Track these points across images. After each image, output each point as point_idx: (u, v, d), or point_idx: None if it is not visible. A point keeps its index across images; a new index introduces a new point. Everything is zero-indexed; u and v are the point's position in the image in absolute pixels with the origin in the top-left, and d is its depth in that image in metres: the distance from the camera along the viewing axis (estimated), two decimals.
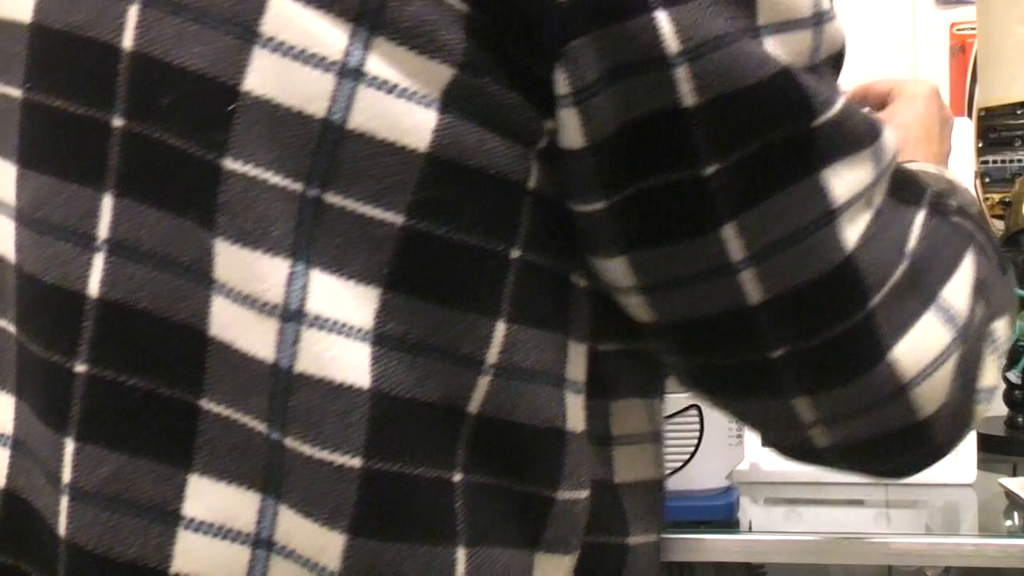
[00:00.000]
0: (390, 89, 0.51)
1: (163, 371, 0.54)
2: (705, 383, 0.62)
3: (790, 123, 0.54)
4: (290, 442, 0.52)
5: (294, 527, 0.52)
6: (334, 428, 0.51)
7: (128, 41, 0.54)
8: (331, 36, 0.51)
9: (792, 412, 0.59)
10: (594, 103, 0.52)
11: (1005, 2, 1.36)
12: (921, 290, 0.58)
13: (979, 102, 1.53)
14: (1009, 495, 1.11)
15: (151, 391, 0.54)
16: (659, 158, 0.53)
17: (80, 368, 0.55)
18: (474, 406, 0.54)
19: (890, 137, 0.59)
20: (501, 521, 0.56)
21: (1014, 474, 1.20)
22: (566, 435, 0.57)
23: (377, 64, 0.51)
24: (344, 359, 0.52)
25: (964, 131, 1.18)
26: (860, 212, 0.57)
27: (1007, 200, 1.45)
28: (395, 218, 0.52)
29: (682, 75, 0.51)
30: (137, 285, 0.54)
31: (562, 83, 0.52)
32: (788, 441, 0.62)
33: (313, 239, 0.52)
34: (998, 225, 1.47)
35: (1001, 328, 0.65)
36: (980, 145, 1.51)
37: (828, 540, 0.99)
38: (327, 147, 0.51)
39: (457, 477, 0.54)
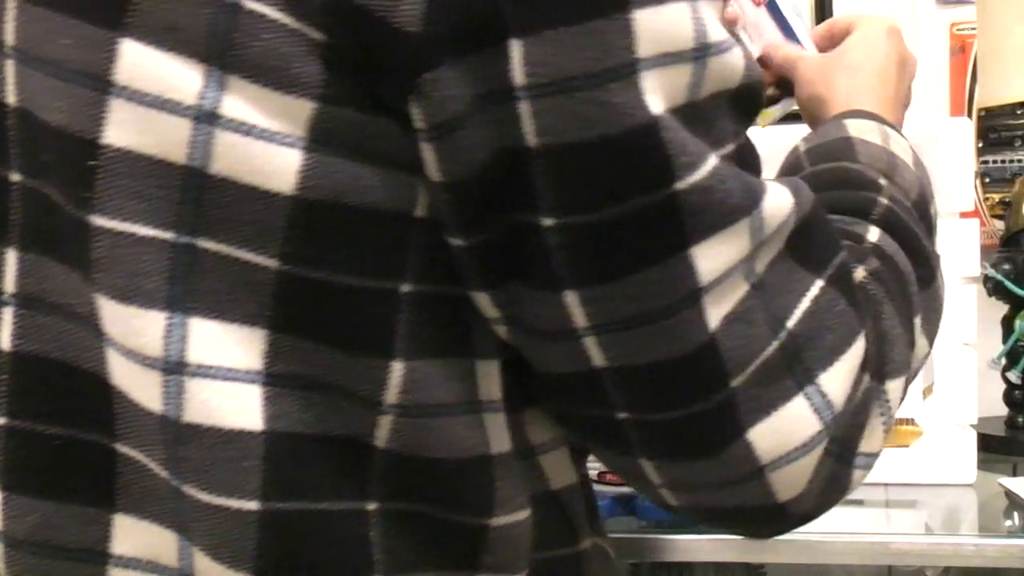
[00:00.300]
0: (248, 131, 0.49)
1: (79, 418, 0.54)
2: (562, 423, 0.59)
3: (647, 189, 0.48)
4: (188, 489, 0.51)
5: (207, 567, 0.52)
6: (227, 474, 0.50)
7: (11, 96, 0.54)
8: (185, 79, 0.49)
9: (640, 470, 0.55)
10: (448, 140, 0.49)
11: (1005, 2, 1.36)
12: (797, 370, 0.53)
13: (979, 102, 1.53)
14: (1009, 495, 1.11)
15: (70, 438, 0.54)
16: (506, 198, 0.49)
17: (0, 421, 0.55)
18: (381, 442, 0.52)
19: (777, 202, 0.53)
20: (429, 548, 0.54)
21: (1014, 474, 1.20)
22: (492, 459, 0.54)
23: (234, 105, 0.49)
24: (232, 405, 0.50)
25: (964, 131, 1.17)
26: (730, 290, 0.51)
27: (1007, 200, 1.45)
28: (269, 262, 0.50)
29: (524, 111, 0.47)
30: (48, 337, 0.54)
31: (417, 118, 0.48)
32: (645, 493, 0.58)
33: (191, 287, 0.50)
34: (998, 225, 1.47)
35: (895, 390, 0.60)
36: (980, 145, 1.51)
37: (828, 540, 0.99)
38: (192, 194, 0.50)
39: (372, 506, 0.53)
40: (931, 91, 1.67)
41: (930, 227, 0.69)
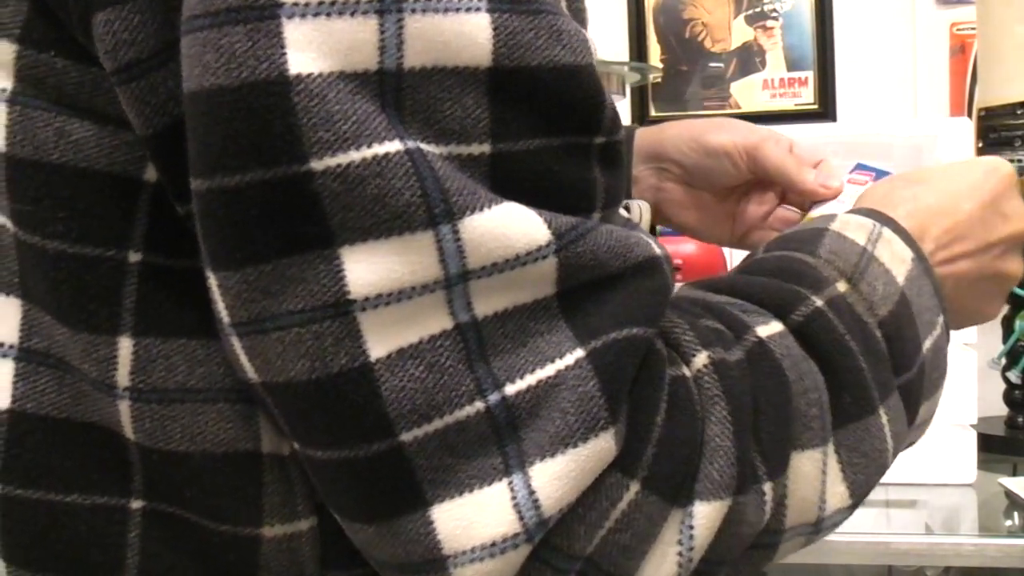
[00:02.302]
0: None
1: None
2: None
3: (266, 161, 0.40)
4: None
5: None
6: None
7: None
8: None
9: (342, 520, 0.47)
10: (135, 88, 0.43)
11: (1005, 2, 1.36)
12: (510, 450, 0.42)
13: (979, 102, 1.53)
14: (1009, 495, 1.11)
15: None
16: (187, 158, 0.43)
17: None
18: (128, 432, 0.46)
19: (504, 230, 0.41)
20: (195, 559, 0.48)
21: (1014, 474, 1.20)
22: (262, 458, 0.47)
23: None
24: None
25: (964, 131, 1.18)
26: (412, 319, 0.41)
27: None
28: (7, 223, 0.46)
29: (184, 46, 0.41)
30: None
31: (104, 62, 0.43)
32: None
33: None
34: None
35: (710, 516, 0.46)
36: (980, 145, 1.51)
37: (828, 540, 0.99)
38: None
39: (136, 505, 0.47)
40: (931, 91, 1.67)
41: (901, 355, 0.54)
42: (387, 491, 0.42)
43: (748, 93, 1.76)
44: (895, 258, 0.56)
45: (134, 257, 0.46)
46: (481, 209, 0.41)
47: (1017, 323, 1.33)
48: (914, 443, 0.60)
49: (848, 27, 1.71)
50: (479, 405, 0.42)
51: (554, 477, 0.42)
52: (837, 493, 0.51)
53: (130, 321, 0.46)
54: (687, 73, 1.78)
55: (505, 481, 0.42)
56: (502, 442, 0.42)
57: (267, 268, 0.41)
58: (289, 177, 0.40)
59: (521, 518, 0.42)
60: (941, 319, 0.58)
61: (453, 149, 0.41)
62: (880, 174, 0.79)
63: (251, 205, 0.40)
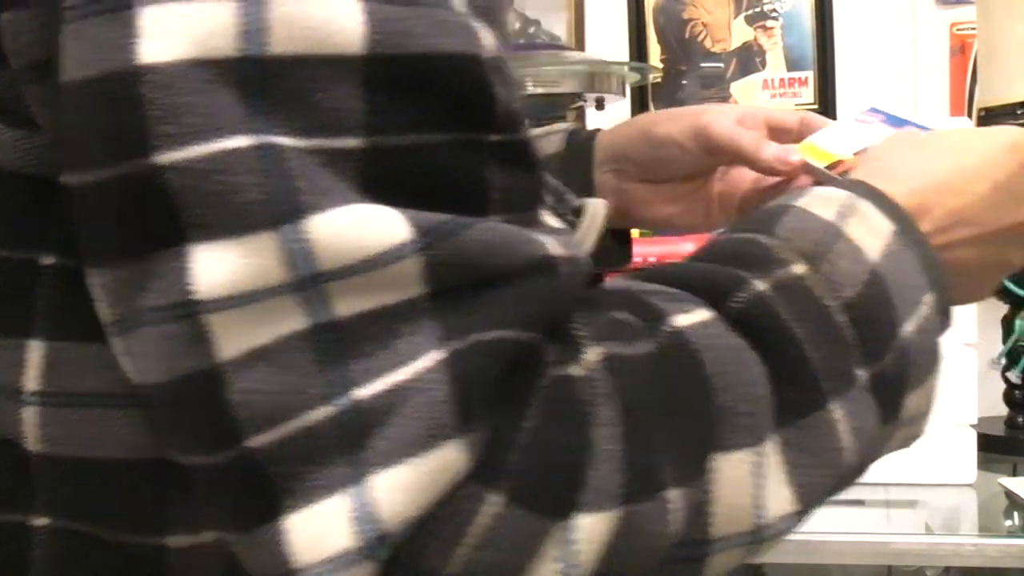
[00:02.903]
0: None
1: None
2: None
3: (118, 154, 0.39)
4: None
5: None
6: None
7: None
8: None
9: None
10: (42, 88, 0.42)
11: (1005, 2, 1.36)
12: (356, 459, 0.39)
13: (979, 102, 1.53)
14: (1009, 495, 1.11)
15: None
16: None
17: None
18: (31, 441, 0.45)
19: (355, 231, 0.39)
20: (96, 575, 0.46)
21: (1014, 474, 1.20)
22: (168, 465, 0.44)
23: None
24: None
25: None
26: (266, 320, 0.39)
27: None
28: None
29: (61, 39, 0.40)
30: None
31: (12, 60, 0.42)
32: None
33: None
34: None
35: (596, 530, 0.42)
36: None
37: (828, 540, 0.99)
38: None
39: (39, 522, 0.45)
40: (931, 91, 1.67)
41: (872, 341, 0.49)
42: (245, 500, 0.40)
43: (748, 93, 1.76)
44: (871, 232, 0.51)
45: (48, 260, 0.44)
46: (331, 208, 0.39)
47: (1017, 323, 1.33)
48: (913, 439, 0.56)
49: (848, 27, 1.71)
50: (328, 409, 0.39)
51: (394, 489, 0.39)
52: (781, 497, 0.46)
53: (41, 324, 0.44)
54: (687, 73, 1.78)
55: (348, 492, 0.39)
56: (351, 450, 0.39)
57: (131, 265, 0.39)
58: (138, 172, 0.38)
59: (361, 533, 0.39)
60: (929, 297, 0.52)
61: (322, 143, 0.39)
62: (892, 120, 0.73)
63: (111, 200, 0.39)
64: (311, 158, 0.39)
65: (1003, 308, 1.36)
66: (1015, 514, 1.09)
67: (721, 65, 1.78)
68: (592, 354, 0.43)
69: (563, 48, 1.57)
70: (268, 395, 0.39)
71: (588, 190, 0.80)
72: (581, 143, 0.82)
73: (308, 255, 0.39)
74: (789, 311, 0.47)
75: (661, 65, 1.77)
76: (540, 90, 1.37)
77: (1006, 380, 1.36)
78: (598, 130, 0.83)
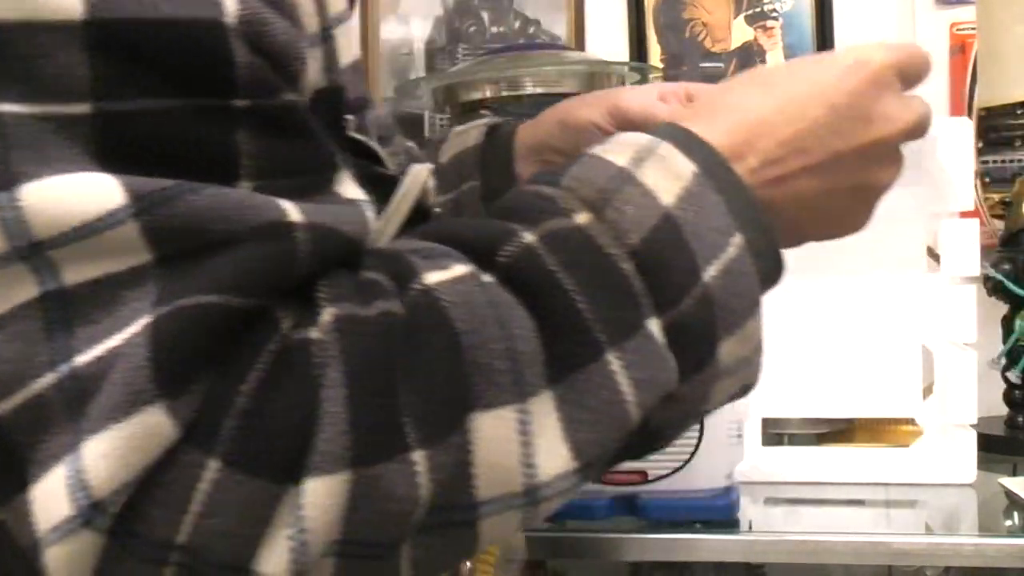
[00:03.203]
0: None
1: None
2: None
3: None
4: None
5: None
6: None
7: None
8: None
9: None
10: None
11: (1005, 2, 1.36)
12: (78, 426, 0.40)
13: (979, 102, 1.53)
14: (1009, 495, 1.11)
15: None
16: None
17: None
18: None
19: (55, 199, 0.40)
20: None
21: (1014, 474, 1.20)
22: None
23: None
24: None
25: (964, 131, 1.17)
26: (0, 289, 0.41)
27: (1007, 200, 1.45)
28: None
29: None
30: None
31: None
32: None
33: None
34: (998, 225, 1.47)
35: (325, 494, 0.41)
36: (980, 145, 1.51)
37: (828, 540, 0.99)
38: None
39: None
40: (931, 91, 1.67)
41: (666, 287, 0.47)
42: (1, 472, 0.41)
43: None
44: (668, 175, 0.49)
45: None
46: (48, 176, 0.39)
47: (1017, 323, 1.33)
48: (747, 387, 0.52)
49: (848, 27, 1.71)
50: (53, 376, 0.40)
51: (100, 456, 0.39)
52: (556, 455, 0.45)
53: None
54: (687, 73, 1.78)
55: (67, 460, 0.40)
56: (72, 416, 0.40)
57: None
58: None
59: (74, 500, 0.40)
60: (739, 239, 0.49)
61: (49, 109, 0.40)
62: None
63: None
64: (40, 125, 0.39)
65: (1003, 308, 1.36)
66: (1015, 514, 1.09)
67: (721, 65, 1.78)
68: (326, 315, 0.43)
69: (563, 48, 1.57)
70: (3, 364, 0.40)
71: (510, 183, 0.82)
72: (502, 136, 0.84)
73: (21, 223, 0.39)
74: (558, 261, 0.46)
75: (661, 65, 1.77)
76: (540, 90, 1.37)
77: (1006, 380, 1.36)
78: (519, 124, 0.84)
